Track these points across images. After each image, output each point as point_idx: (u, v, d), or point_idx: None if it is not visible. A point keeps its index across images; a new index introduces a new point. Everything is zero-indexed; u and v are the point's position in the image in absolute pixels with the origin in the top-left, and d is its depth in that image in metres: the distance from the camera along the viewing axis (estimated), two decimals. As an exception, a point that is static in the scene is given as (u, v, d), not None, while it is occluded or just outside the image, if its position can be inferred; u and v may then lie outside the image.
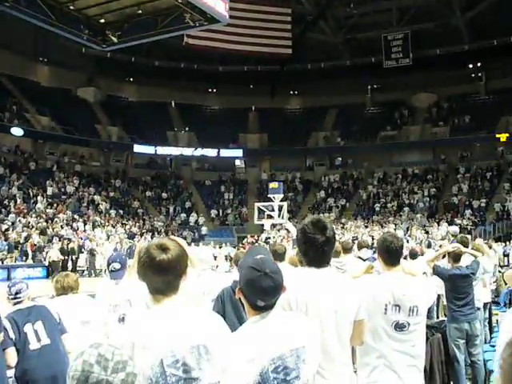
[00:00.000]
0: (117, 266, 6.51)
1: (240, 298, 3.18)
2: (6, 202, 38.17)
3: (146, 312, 2.93)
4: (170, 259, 2.80)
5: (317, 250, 3.72)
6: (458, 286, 8.06)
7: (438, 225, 39.78)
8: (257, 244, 32.98)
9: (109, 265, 6.61)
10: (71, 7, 26.51)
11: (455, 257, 8.30)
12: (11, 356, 5.54)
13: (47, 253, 32.05)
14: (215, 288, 6.67)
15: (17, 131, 43.96)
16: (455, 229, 32.12)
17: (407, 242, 31.93)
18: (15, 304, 5.97)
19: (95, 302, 6.87)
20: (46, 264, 31.52)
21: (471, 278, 8.23)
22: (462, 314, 8.05)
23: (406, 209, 45.36)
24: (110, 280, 6.61)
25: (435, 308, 11.45)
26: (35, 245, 33.14)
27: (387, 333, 4.65)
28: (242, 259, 3.46)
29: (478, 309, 9.28)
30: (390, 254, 4.86)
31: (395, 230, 39.06)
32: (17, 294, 5.99)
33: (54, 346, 5.84)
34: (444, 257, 9.02)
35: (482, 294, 9.53)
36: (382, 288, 4.72)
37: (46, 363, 5.61)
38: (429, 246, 18.97)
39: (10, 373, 5.72)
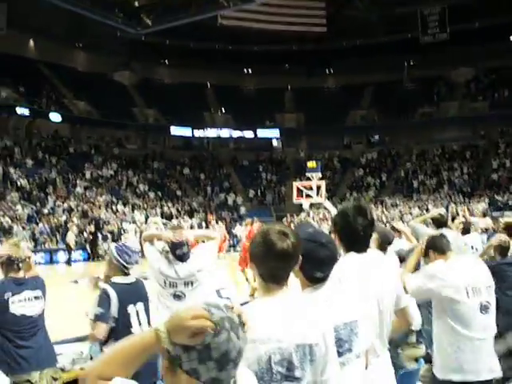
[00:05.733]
0: (185, 249, 6.27)
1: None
2: (46, 186, 38.72)
3: (258, 302, 2.80)
4: (291, 247, 2.71)
5: (358, 234, 3.69)
6: (507, 275, 7.47)
7: (478, 202, 39.26)
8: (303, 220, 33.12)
9: (175, 249, 6.25)
10: (106, -9, 26.65)
11: (502, 251, 7.76)
12: (101, 329, 5.05)
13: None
14: None
15: (55, 117, 44.54)
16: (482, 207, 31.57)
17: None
18: (119, 274, 5.42)
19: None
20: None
21: None
22: None
23: (446, 186, 44.88)
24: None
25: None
26: (76, 228, 33.55)
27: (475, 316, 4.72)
28: None
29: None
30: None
31: (434, 207, 38.74)
32: (130, 264, 5.43)
33: None
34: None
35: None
36: (459, 273, 4.81)
37: None
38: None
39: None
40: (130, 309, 5.27)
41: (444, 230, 8.64)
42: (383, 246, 6.73)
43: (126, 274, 5.41)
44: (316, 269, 3.05)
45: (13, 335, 5.31)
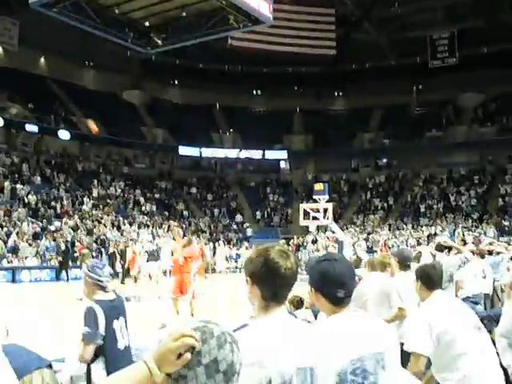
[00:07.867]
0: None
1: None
2: (53, 203, 38.74)
3: (258, 324, 2.66)
4: (294, 264, 2.68)
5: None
6: None
7: (485, 227, 39.10)
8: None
9: None
10: (116, 11, 26.77)
11: None
12: (89, 350, 4.99)
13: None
14: None
15: (63, 134, 44.66)
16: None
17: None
18: (100, 291, 5.30)
19: None
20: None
21: None
22: None
23: (453, 210, 44.68)
24: None
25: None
26: (82, 246, 33.46)
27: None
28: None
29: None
30: None
31: (442, 231, 38.57)
32: (105, 277, 5.29)
33: (130, 349, 5.45)
34: None
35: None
36: None
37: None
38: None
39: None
40: (115, 324, 5.19)
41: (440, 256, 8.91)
42: (404, 265, 6.96)
43: (105, 291, 5.31)
44: (337, 287, 2.94)
45: None
